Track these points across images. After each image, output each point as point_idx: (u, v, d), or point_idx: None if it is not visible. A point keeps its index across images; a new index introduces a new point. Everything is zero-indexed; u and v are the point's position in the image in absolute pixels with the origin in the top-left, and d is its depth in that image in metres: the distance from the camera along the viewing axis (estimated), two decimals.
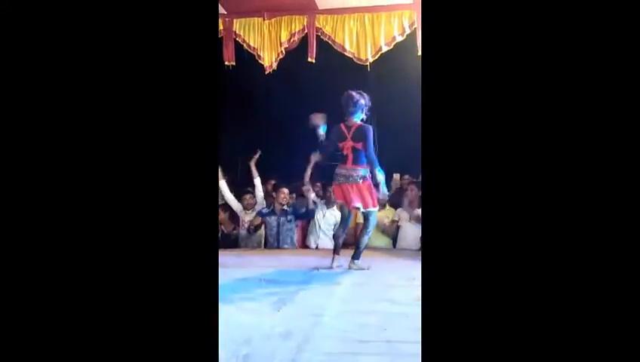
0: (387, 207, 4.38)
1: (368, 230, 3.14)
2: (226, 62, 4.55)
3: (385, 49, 4.33)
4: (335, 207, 4.33)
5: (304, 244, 4.40)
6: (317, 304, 2.16)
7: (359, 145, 3.03)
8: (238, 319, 1.89)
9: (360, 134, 3.04)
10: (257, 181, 4.42)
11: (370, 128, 3.07)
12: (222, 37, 4.54)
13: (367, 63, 4.41)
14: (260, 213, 4.29)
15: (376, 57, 4.39)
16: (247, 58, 4.57)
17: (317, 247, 4.26)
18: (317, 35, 4.42)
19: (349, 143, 3.05)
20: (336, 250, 3.19)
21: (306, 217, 4.33)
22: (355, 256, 3.11)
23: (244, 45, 4.54)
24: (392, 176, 4.67)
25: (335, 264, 3.11)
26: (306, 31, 4.42)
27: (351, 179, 3.04)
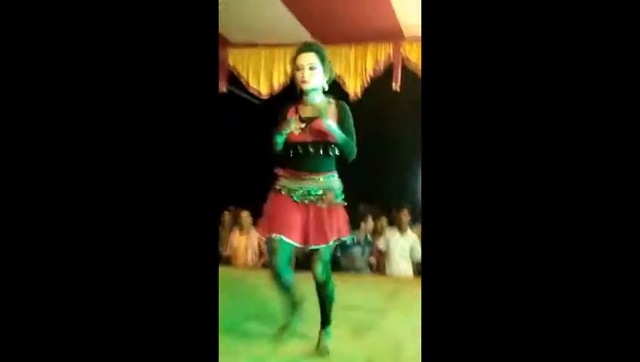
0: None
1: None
2: None
3: None
4: (407, 232, 4.18)
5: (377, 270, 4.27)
6: (396, 330, 2.18)
7: None
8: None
9: None
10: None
11: None
12: None
13: None
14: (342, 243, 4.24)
15: None
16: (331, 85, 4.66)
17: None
18: (402, 64, 4.39)
19: None
20: None
21: None
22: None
23: None
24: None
25: None
26: (391, 59, 4.41)
27: None
